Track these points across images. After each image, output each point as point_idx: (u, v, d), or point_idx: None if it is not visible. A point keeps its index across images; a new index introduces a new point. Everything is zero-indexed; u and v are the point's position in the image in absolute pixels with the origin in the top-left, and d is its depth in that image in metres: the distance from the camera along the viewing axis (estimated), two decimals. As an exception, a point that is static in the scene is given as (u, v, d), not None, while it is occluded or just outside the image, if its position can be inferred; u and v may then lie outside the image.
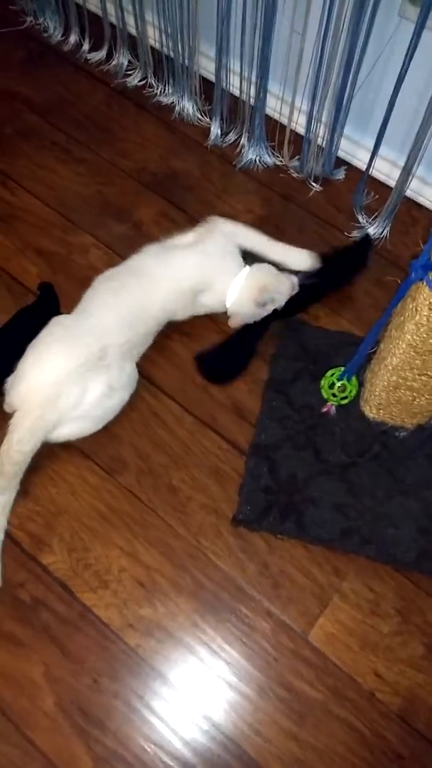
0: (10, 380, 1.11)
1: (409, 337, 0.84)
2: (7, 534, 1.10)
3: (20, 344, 1.13)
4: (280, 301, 1.24)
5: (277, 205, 1.47)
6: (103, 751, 0.98)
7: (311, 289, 1.29)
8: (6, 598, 1.05)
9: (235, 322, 1.25)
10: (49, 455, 1.16)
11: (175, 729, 1.00)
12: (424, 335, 0.82)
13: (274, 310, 1.25)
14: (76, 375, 1.07)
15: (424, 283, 0.76)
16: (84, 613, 1.05)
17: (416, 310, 0.80)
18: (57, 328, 1.13)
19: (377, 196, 1.44)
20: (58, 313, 1.24)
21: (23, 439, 1.05)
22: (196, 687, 1.02)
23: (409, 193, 1.41)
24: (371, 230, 1.42)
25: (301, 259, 1.31)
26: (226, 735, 1.00)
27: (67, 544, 1.10)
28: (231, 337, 1.26)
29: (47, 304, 1.28)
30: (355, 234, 1.42)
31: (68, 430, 1.11)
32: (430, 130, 1.19)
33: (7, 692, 1.00)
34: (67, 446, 1.17)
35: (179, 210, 1.45)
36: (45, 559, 1.09)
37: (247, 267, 1.25)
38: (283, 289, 1.24)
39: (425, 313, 0.79)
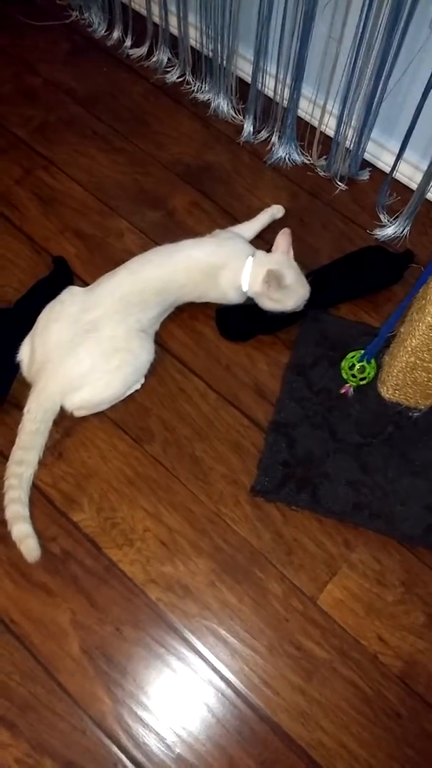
0: (21, 353, 1.22)
1: (430, 319, 0.92)
2: (41, 492, 1.18)
3: (35, 314, 1.23)
4: (293, 289, 1.26)
5: (303, 200, 1.54)
6: (122, 694, 1.05)
7: (345, 289, 1.38)
8: (38, 551, 1.13)
9: (265, 306, 1.29)
10: (82, 423, 1.24)
11: (189, 678, 1.07)
12: (444, 317, 0.90)
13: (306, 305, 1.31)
14: (69, 348, 1.16)
15: (447, 269, 0.84)
16: (110, 567, 1.13)
17: (438, 293, 0.88)
18: (58, 306, 1.22)
19: (399, 198, 1.52)
20: (71, 284, 1.33)
21: (32, 409, 1.15)
22: (210, 640, 1.09)
23: (429, 195, 1.49)
24: (391, 230, 1.50)
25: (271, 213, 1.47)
26: (237, 686, 1.07)
27: (96, 503, 1.18)
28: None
29: (61, 277, 1.36)
30: (378, 232, 1.50)
31: (79, 397, 1.17)
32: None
33: (36, 636, 1.08)
34: (99, 415, 1.25)
35: (210, 201, 1.53)
36: (75, 517, 1.16)
37: (254, 254, 1.28)
38: (291, 276, 1.25)
39: (446, 297, 0.87)
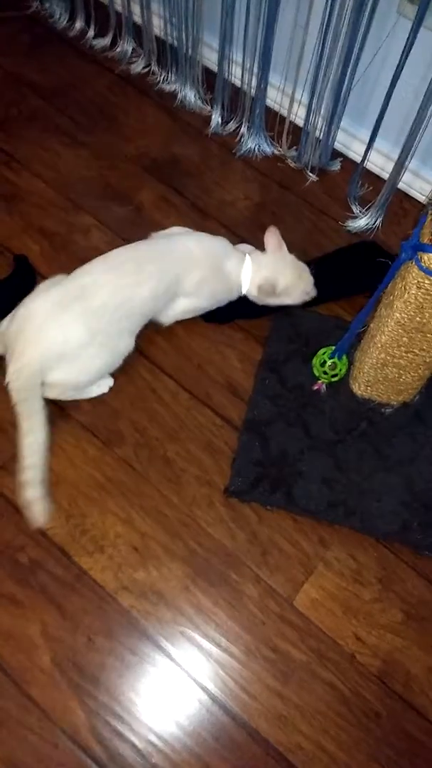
0: (2, 325, 1.16)
1: (398, 315, 0.90)
2: (7, 500, 1.14)
3: None
4: (293, 290, 1.25)
5: (274, 193, 1.51)
6: (95, 705, 1.03)
7: (336, 288, 1.35)
8: (6, 561, 1.10)
9: (271, 305, 1.28)
10: (49, 427, 1.20)
11: (165, 685, 1.05)
12: (412, 313, 0.88)
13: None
14: (54, 311, 1.10)
15: (414, 263, 0.82)
16: (80, 575, 1.10)
17: (405, 288, 0.86)
18: (48, 281, 1.19)
19: (371, 188, 1.50)
20: (34, 284, 1.28)
21: (12, 377, 1.08)
22: (185, 646, 1.07)
23: (401, 185, 1.47)
24: (364, 221, 1.47)
25: None
26: (214, 692, 1.05)
27: (66, 510, 1.14)
28: None
29: (22, 276, 1.32)
30: (350, 223, 1.47)
31: (57, 375, 1.12)
32: (423, 124, 1.24)
33: (5, 649, 1.05)
34: (67, 419, 1.21)
35: (179, 194, 1.49)
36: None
37: (247, 256, 1.26)
38: (287, 277, 1.24)
39: (413, 292, 0.84)
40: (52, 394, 1.16)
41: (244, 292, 1.27)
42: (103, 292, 1.13)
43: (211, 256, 1.24)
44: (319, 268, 1.34)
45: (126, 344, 1.20)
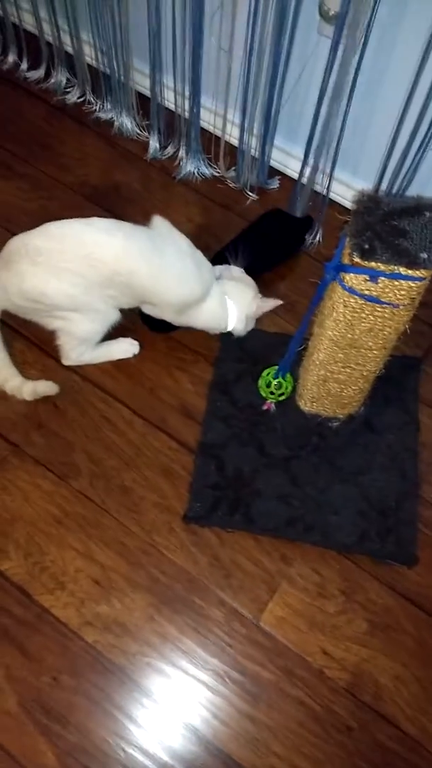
0: None
1: (330, 333, 0.91)
2: (-36, 543, 1.13)
3: None
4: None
5: (216, 214, 1.53)
6: (65, 745, 1.01)
7: (256, 261, 1.36)
8: (-36, 606, 1.08)
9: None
10: (1, 464, 1.19)
11: (134, 719, 1.04)
12: (343, 330, 0.89)
13: None
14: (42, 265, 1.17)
15: (338, 283, 0.83)
16: (42, 614, 1.08)
17: (333, 308, 0.87)
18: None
19: (310, 203, 1.51)
20: None
21: None
22: (153, 677, 1.06)
23: (338, 198, 1.50)
24: (306, 237, 1.49)
25: None
26: (184, 720, 1.04)
27: (23, 549, 1.13)
28: None
29: None
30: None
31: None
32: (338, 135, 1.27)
33: (-31, 696, 1.03)
34: (19, 455, 1.20)
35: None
36: (2, 565, 1.12)
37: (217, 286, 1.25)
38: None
39: (341, 310, 0.86)
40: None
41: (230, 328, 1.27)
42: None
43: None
44: (239, 245, 1.36)
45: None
